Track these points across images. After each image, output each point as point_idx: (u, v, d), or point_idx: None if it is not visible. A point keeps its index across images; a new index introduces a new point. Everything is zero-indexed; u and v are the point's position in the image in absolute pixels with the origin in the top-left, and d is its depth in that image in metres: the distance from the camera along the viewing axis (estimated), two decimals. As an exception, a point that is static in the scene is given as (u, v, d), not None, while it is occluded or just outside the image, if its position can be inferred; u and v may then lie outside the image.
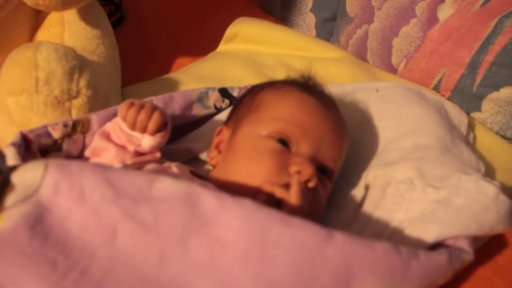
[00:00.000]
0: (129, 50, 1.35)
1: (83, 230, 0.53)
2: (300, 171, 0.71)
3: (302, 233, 0.54)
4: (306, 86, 0.84)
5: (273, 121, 0.76)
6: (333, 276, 0.54)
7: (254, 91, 0.84)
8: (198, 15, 1.57)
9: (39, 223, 0.52)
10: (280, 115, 0.76)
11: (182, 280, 0.52)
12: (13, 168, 0.56)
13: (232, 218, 0.54)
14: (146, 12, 1.58)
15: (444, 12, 1.10)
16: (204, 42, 1.43)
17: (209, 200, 0.55)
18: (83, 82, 0.87)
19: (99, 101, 0.90)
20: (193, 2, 1.63)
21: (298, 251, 0.53)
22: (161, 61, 1.37)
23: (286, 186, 0.69)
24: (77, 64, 0.88)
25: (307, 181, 0.71)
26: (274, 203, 0.66)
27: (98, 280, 0.51)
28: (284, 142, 0.74)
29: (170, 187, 0.56)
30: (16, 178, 0.55)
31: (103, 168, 0.57)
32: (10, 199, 0.53)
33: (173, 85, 1.17)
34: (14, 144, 0.67)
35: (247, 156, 0.73)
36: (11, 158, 0.60)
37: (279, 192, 0.68)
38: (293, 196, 0.68)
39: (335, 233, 0.55)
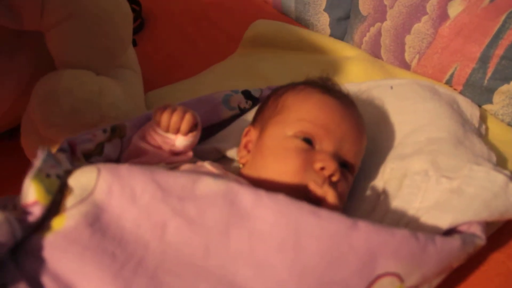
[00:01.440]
0: (150, 56, 1.41)
1: (136, 226, 0.59)
2: (324, 167, 0.76)
3: (330, 223, 0.60)
4: (326, 87, 0.88)
5: (297, 122, 0.81)
6: (359, 261, 0.59)
7: (277, 93, 0.89)
8: (215, 18, 1.61)
9: (97, 221, 0.59)
10: (303, 116, 0.81)
11: (225, 268, 0.58)
12: (68, 173, 0.63)
13: (268, 211, 0.60)
14: (165, 18, 1.62)
15: (454, 9, 1.13)
16: (222, 45, 1.48)
17: (246, 196, 0.61)
18: (105, 106, 0.93)
19: (124, 117, 0.94)
20: (209, 6, 1.66)
21: (327, 239, 0.59)
22: (181, 65, 1.41)
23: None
24: (97, 89, 0.93)
25: (331, 175, 0.76)
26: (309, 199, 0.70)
27: (152, 269, 0.57)
28: (308, 141, 0.79)
29: (210, 185, 0.62)
30: (72, 181, 0.62)
31: (149, 170, 0.63)
32: (69, 201, 0.60)
33: (195, 88, 1.22)
34: (62, 150, 0.74)
35: (275, 155, 0.79)
36: (65, 163, 0.66)
37: (320, 191, 0.74)
38: (332, 196, 0.74)
39: (359, 222, 0.60)
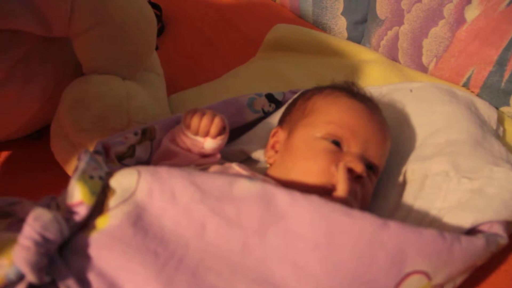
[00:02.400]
0: (171, 59, 1.42)
1: (176, 226, 0.62)
2: (352, 168, 0.79)
3: (362, 223, 0.62)
4: (352, 92, 0.91)
5: (326, 125, 0.83)
6: (388, 259, 0.62)
7: (305, 97, 0.92)
8: (234, 22, 1.62)
9: (139, 220, 0.62)
10: (332, 119, 0.84)
11: (262, 265, 0.61)
12: (110, 174, 0.66)
13: (303, 211, 0.63)
14: (185, 21, 1.64)
15: (471, 13, 1.14)
16: (240, 48, 1.50)
17: (282, 196, 0.64)
18: (132, 110, 0.95)
19: (150, 121, 0.96)
20: (228, 10, 1.68)
21: (359, 238, 0.61)
22: (202, 68, 1.43)
23: None
24: (125, 94, 0.96)
25: (358, 177, 0.79)
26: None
27: (193, 267, 0.60)
28: (336, 143, 0.82)
29: (247, 187, 0.65)
30: (114, 183, 0.65)
31: (188, 172, 0.66)
32: (112, 201, 0.63)
33: (218, 91, 1.25)
34: (97, 152, 0.77)
35: (304, 156, 0.81)
36: (103, 165, 0.69)
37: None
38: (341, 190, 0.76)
39: (390, 222, 0.63)
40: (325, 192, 0.76)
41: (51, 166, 0.99)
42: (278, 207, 0.63)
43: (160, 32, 1.58)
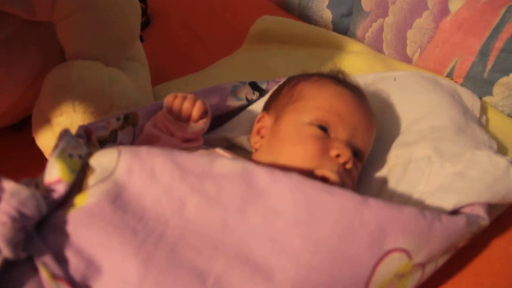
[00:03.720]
0: (157, 52, 1.43)
1: (156, 203, 0.62)
2: (340, 155, 0.79)
3: (342, 200, 0.62)
4: (340, 80, 0.92)
5: (314, 110, 0.83)
6: (369, 236, 0.62)
7: (291, 83, 0.92)
8: (220, 15, 1.64)
9: (118, 198, 0.61)
10: (320, 105, 0.84)
11: (242, 242, 0.61)
12: (90, 154, 0.65)
13: (283, 188, 0.63)
14: (171, 14, 1.65)
15: (455, 4, 1.16)
16: (227, 40, 1.50)
17: (263, 174, 0.64)
18: (115, 95, 0.95)
19: (132, 106, 0.97)
20: (214, 4, 1.69)
21: (339, 215, 0.61)
22: (188, 61, 1.43)
23: None
24: (107, 79, 0.95)
25: (345, 163, 0.80)
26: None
27: (172, 243, 0.59)
28: (324, 129, 0.82)
29: (228, 165, 0.65)
30: (94, 162, 0.64)
31: (169, 151, 0.65)
32: (91, 180, 0.62)
33: (203, 82, 1.24)
34: (78, 136, 0.76)
35: (292, 141, 0.81)
36: (84, 146, 0.68)
37: (327, 173, 0.77)
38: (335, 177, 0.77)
39: (370, 199, 0.63)
40: (313, 177, 0.76)
41: (35, 155, 0.98)
42: (259, 184, 0.63)
43: (146, 25, 1.58)
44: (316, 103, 0.85)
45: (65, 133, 0.65)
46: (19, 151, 1.08)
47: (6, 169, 1.03)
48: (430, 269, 0.70)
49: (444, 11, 1.17)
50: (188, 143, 0.85)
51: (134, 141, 0.87)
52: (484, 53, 1.10)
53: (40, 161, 0.94)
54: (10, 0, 0.87)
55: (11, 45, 0.96)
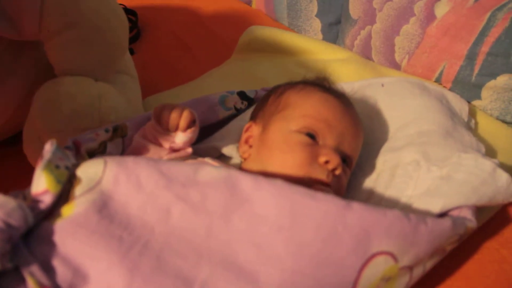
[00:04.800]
0: (148, 64, 1.43)
1: (141, 211, 0.62)
2: (328, 161, 0.80)
3: (325, 204, 0.63)
4: (325, 87, 0.93)
5: (301, 118, 0.84)
6: (353, 239, 0.62)
7: (277, 92, 0.93)
8: (210, 27, 1.65)
9: (104, 208, 0.62)
10: (307, 112, 0.85)
11: (227, 248, 0.61)
12: (76, 165, 0.66)
13: (267, 194, 0.63)
14: (161, 27, 1.66)
15: (441, 9, 1.17)
16: (217, 52, 1.51)
17: (246, 181, 0.64)
18: (104, 110, 0.95)
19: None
20: (204, 15, 1.70)
21: (323, 219, 0.62)
22: (178, 73, 1.44)
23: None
24: (96, 94, 0.95)
25: (334, 169, 0.80)
26: None
27: (158, 251, 0.60)
28: (312, 136, 0.83)
29: (212, 173, 0.65)
30: (80, 172, 0.65)
31: (154, 160, 0.66)
32: (78, 190, 0.63)
33: (193, 93, 1.24)
34: (68, 148, 0.77)
35: (281, 149, 0.82)
36: (72, 158, 0.69)
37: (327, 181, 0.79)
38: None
39: (353, 203, 0.64)
40: (303, 184, 0.77)
41: (26, 169, 0.98)
42: (242, 191, 0.64)
43: (136, 37, 1.59)
44: (303, 111, 0.85)
45: (51, 144, 0.66)
46: (12, 165, 1.08)
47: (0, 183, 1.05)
48: (418, 272, 0.70)
49: (430, 16, 1.18)
50: (177, 153, 0.85)
51: (123, 153, 0.87)
52: (471, 58, 1.11)
53: (30, 174, 0.96)
54: None
55: (0, 64, 0.97)
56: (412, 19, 1.21)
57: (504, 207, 0.88)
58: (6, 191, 0.99)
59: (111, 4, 1.04)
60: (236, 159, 0.94)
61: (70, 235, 0.59)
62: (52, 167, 0.63)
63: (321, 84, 0.94)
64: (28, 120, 0.98)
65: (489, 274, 0.80)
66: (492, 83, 1.10)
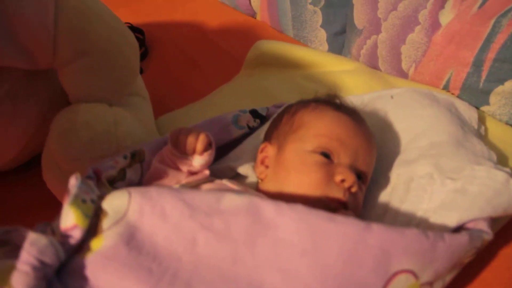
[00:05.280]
0: (157, 82, 1.44)
1: (168, 242, 0.64)
2: (344, 179, 0.81)
3: (345, 227, 0.64)
4: (337, 105, 0.94)
5: (315, 138, 0.86)
6: (374, 260, 0.64)
7: (290, 112, 0.94)
8: (216, 41, 1.66)
9: (132, 239, 0.63)
10: (321, 132, 0.86)
11: (253, 273, 0.63)
12: (101, 197, 0.68)
13: (289, 220, 0.65)
14: (168, 44, 1.67)
15: (445, 17, 1.18)
16: (225, 66, 1.52)
17: (268, 207, 0.66)
18: (121, 135, 0.96)
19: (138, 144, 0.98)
20: (210, 30, 1.71)
21: (343, 241, 0.64)
22: (187, 89, 1.45)
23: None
24: (112, 120, 0.97)
25: (350, 187, 0.82)
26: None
27: (187, 280, 0.61)
28: (326, 155, 0.84)
29: (234, 200, 0.67)
30: (106, 205, 0.67)
31: (177, 190, 0.68)
32: (105, 223, 0.65)
33: (204, 110, 1.27)
34: (88, 177, 0.79)
35: (297, 169, 0.84)
36: (95, 189, 0.71)
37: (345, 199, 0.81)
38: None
39: (372, 224, 0.65)
40: (319, 203, 0.78)
41: (43, 194, 1.00)
42: (265, 217, 0.65)
43: (144, 55, 1.60)
44: (317, 131, 0.87)
45: (76, 178, 0.68)
46: (26, 189, 1.10)
47: (16, 208, 1.06)
48: (438, 286, 0.71)
49: (435, 24, 1.19)
50: (195, 176, 0.87)
51: (142, 178, 0.89)
52: (477, 64, 1.12)
53: (48, 199, 0.98)
54: (10, 55, 0.89)
55: (15, 96, 0.98)
56: (417, 28, 1.22)
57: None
58: (23, 215, 1.02)
59: (121, 30, 1.06)
60: (252, 178, 0.96)
61: (101, 269, 0.61)
62: (79, 202, 0.65)
63: (333, 102, 0.95)
64: (45, 148, 0.99)
65: (507, 281, 0.82)
66: (500, 88, 1.11)
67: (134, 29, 1.66)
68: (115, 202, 0.67)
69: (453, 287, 0.76)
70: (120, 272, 0.61)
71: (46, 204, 0.97)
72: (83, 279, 0.61)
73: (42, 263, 0.58)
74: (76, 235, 0.63)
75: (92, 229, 0.65)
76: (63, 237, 0.63)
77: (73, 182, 0.67)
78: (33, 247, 0.58)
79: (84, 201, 0.65)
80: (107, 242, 0.63)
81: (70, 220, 0.63)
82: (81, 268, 0.61)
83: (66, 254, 0.62)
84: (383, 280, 0.64)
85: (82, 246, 0.64)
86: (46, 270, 0.58)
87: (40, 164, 1.01)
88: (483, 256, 0.81)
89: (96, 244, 0.63)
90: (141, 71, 1.50)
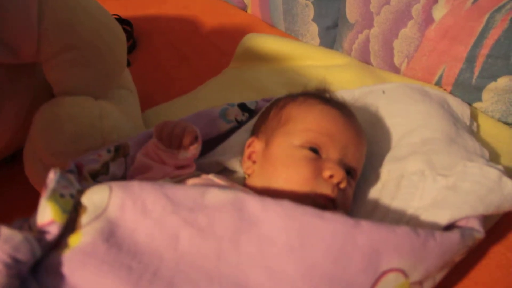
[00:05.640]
0: (144, 75, 1.42)
1: (149, 238, 0.62)
2: (333, 175, 0.79)
3: (334, 224, 0.62)
4: (326, 99, 0.92)
5: (303, 132, 0.84)
6: (364, 258, 0.62)
7: (278, 106, 0.92)
8: (206, 35, 1.64)
9: (112, 236, 0.61)
10: (309, 126, 0.85)
11: (238, 271, 0.61)
12: (81, 192, 0.65)
13: (275, 216, 0.63)
14: (157, 36, 1.65)
15: (439, 12, 1.16)
16: (214, 60, 1.51)
17: (253, 203, 0.64)
18: (106, 130, 0.94)
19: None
20: (200, 23, 1.69)
21: (332, 239, 0.62)
22: (175, 82, 1.43)
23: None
24: (98, 114, 0.95)
25: (339, 183, 0.80)
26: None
27: (168, 278, 0.59)
28: (315, 150, 0.82)
29: (219, 196, 0.65)
30: (85, 200, 0.64)
31: (159, 184, 0.66)
32: (84, 218, 0.62)
33: (191, 104, 1.25)
34: (70, 171, 0.76)
35: (284, 165, 0.82)
36: (75, 183, 0.68)
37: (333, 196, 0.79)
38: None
39: (362, 221, 0.63)
40: (307, 199, 0.77)
41: (26, 189, 0.98)
42: (250, 213, 0.63)
43: (132, 48, 1.58)
44: (305, 125, 0.85)
45: (54, 172, 0.65)
46: (10, 182, 1.08)
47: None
48: (428, 285, 0.70)
49: (428, 19, 1.18)
50: (181, 170, 0.85)
51: (126, 172, 0.87)
52: (470, 60, 1.11)
53: (30, 193, 0.95)
54: None
55: None
56: (410, 22, 1.21)
57: (509, 211, 0.88)
58: (5, 210, 1.00)
59: (109, 24, 1.03)
60: (239, 173, 0.94)
61: (78, 266, 0.59)
62: (57, 196, 0.62)
63: (322, 96, 0.93)
64: (28, 141, 0.97)
65: (497, 278, 0.81)
66: (492, 85, 1.09)
67: (122, 21, 1.63)
68: (95, 197, 0.64)
69: (443, 286, 0.75)
70: (99, 269, 0.58)
71: (28, 199, 0.94)
72: (60, 276, 0.58)
73: (15, 260, 0.55)
74: (53, 231, 0.60)
75: (71, 225, 0.63)
76: (40, 233, 0.60)
77: (52, 176, 0.65)
78: (6, 244, 0.56)
79: (62, 195, 0.63)
80: (85, 238, 0.61)
81: (47, 215, 0.61)
82: (58, 265, 0.59)
83: (42, 250, 0.59)
84: (372, 279, 0.62)
85: (60, 242, 0.61)
86: (20, 268, 0.56)
87: (22, 158, 0.98)
88: (473, 254, 0.79)
89: (74, 240, 0.61)
90: (129, 64, 1.48)
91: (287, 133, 0.85)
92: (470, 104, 1.12)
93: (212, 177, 0.82)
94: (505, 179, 0.79)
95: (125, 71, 1.21)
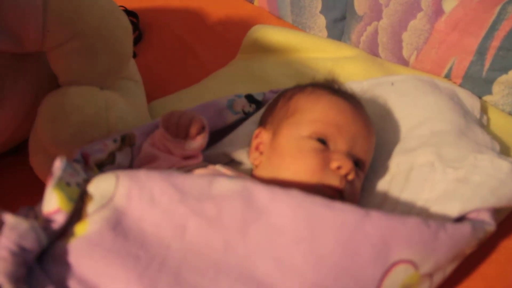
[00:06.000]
0: (150, 66, 1.41)
1: (156, 228, 0.61)
2: (341, 166, 0.78)
3: (343, 214, 0.62)
4: (334, 89, 0.91)
5: (311, 123, 0.83)
6: (373, 249, 0.61)
7: (286, 96, 0.91)
8: (213, 26, 1.62)
9: (118, 225, 0.61)
10: (317, 117, 0.84)
11: (246, 262, 0.60)
12: (87, 181, 0.65)
13: (283, 206, 0.62)
14: (163, 28, 1.63)
15: (449, 4, 1.15)
16: (221, 51, 1.49)
17: (262, 192, 0.63)
18: (112, 120, 0.93)
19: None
20: (206, 15, 1.68)
21: (341, 229, 0.61)
22: (182, 74, 1.41)
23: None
24: (103, 105, 0.93)
25: (347, 174, 0.79)
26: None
27: (175, 268, 0.59)
28: (323, 141, 0.81)
29: (226, 185, 0.64)
30: (92, 189, 0.64)
31: (167, 174, 0.65)
32: (90, 207, 0.62)
33: (198, 96, 1.23)
34: (76, 161, 0.76)
35: (292, 156, 0.81)
36: (82, 172, 0.68)
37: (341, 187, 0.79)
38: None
39: (372, 212, 0.62)
40: (315, 191, 0.75)
41: (31, 180, 0.97)
42: (259, 203, 0.63)
43: (138, 40, 1.57)
44: (313, 116, 0.84)
45: (61, 161, 0.65)
46: (15, 175, 1.07)
47: (1, 194, 1.03)
48: (438, 278, 0.69)
49: (438, 11, 1.16)
50: (187, 160, 0.84)
51: (132, 162, 0.86)
52: (481, 52, 1.10)
53: (36, 183, 0.94)
54: None
55: (2, 78, 0.94)
56: (420, 14, 1.19)
57: (520, 205, 0.87)
58: (9, 201, 0.99)
59: (115, 13, 1.02)
60: (247, 165, 0.93)
61: (85, 255, 0.58)
62: (63, 185, 0.62)
63: (330, 87, 0.92)
64: (33, 132, 0.96)
65: (508, 273, 0.80)
66: (503, 77, 1.08)
67: (128, 12, 1.62)
68: (102, 186, 0.64)
69: (453, 280, 0.75)
70: (105, 258, 0.58)
71: (33, 190, 0.94)
72: (66, 265, 0.58)
73: (21, 248, 0.55)
74: (59, 219, 0.60)
75: (77, 214, 0.62)
76: (46, 222, 0.60)
77: (58, 164, 0.64)
78: (13, 232, 0.55)
79: (68, 184, 0.62)
80: (92, 227, 0.60)
81: (53, 203, 0.60)
82: (64, 254, 0.59)
83: (48, 239, 0.59)
84: (382, 271, 0.61)
85: (66, 231, 0.61)
86: (26, 256, 0.56)
87: (27, 149, 0.98)
88: (483, 248, 0.78)
89: (80, 229, 0.60)
90: (135, 55, 1.47)
91: (294, 123, 0.84)
92: (480, 97, 1.11)
93: (219, 168, 0.81)
94: (517, 171, 0.78)
95: (131, 63, 1.20)
